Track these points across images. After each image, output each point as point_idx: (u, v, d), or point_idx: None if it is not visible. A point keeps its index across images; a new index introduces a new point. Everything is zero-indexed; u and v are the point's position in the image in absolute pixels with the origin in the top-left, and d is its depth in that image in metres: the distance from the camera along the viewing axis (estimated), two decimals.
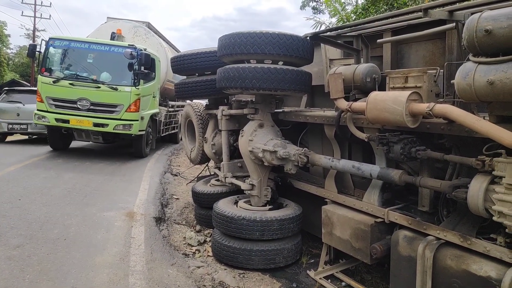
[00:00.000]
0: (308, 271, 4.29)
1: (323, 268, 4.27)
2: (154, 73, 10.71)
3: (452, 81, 2.66)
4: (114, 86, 9.38)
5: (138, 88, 9.60)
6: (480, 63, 2.45)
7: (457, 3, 3.02)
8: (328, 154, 4.33)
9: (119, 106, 9.41)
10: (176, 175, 8.98)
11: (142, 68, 9.64)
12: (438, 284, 2.87)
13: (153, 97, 10.87)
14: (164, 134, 12.83)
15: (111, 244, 4.55)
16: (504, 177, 2.44)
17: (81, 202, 6.01)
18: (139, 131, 9.74)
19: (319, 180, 4.60)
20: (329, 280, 4.09)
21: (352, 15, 14.23)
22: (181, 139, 11.10)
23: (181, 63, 5.75)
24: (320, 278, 4.10)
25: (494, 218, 2.51)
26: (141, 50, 9.73)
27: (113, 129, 9.30)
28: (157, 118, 11.47)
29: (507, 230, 2.46)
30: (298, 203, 4.81)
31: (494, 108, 2.57)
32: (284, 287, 4.05)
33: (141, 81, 9.81)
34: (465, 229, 2.89)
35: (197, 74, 5.80)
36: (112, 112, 9.39)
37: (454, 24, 3.04)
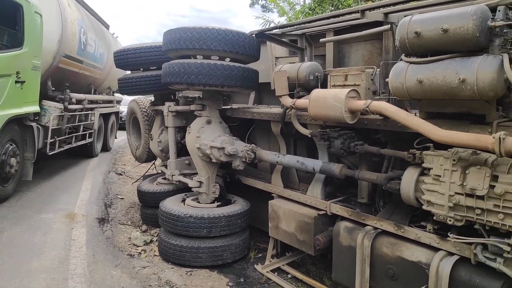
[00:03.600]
0: (255, 266, 4.36)
1: (270, 261, 4.35)
2: (21, 35, 5.60)
3: (387, 80, 2.82)
4: None
5: None
6: (411, 63, 2.63)
7: (392, 6, 3.21)
8: (275, 150, 4.41)
9: None
10: (121, 174, 8.66)
11: None
12: (375, 271, 3.05)
13: (17, 82, 5.53)
14: (58, 150, 7.28)
15: (49, 247, 4.30)
16: (432, 169, 2.64)
17: (15, 204, 5.60)
18: None
19: (266, 176, 4.68)
20: (276, 273, 4.19)
21: (300, 14, 14.58)
22: (99, 151, 9.98)
23: (125, 58, 5.54)
24: (267, 272, 4.18)
25: (424, 207, 2.71)
26: None
27: None
28: (36, 124, 6.19)
29: (435, 218, 2.67)
30: (246, 199, 4.85)
31: (423, 105, 2.77)
32: (231, 282, 4.07)
33: None
34: (399, 218, 3.09)
35: (142, 69, 5.62)
36: None
37: (389, 26, 3.23)
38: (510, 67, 2.20)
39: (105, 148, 11.01)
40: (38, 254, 4.10)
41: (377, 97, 3.33)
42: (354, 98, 3.09)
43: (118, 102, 12.15)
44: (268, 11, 15.81)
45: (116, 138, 12.41)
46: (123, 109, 16.42)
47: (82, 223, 5.15)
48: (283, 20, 15.29)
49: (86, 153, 9.71)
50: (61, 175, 7.71)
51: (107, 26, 11.63)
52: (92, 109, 9.17)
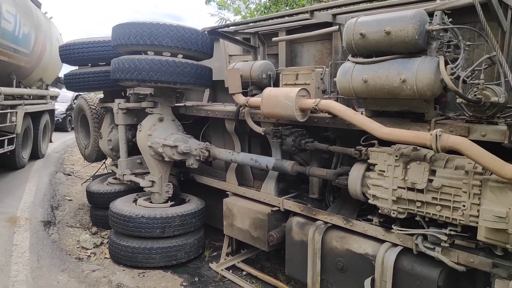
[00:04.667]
0: (210, 264, 4.34)
1: (225, 259, 4.36)
2: None
3: (334, 79, 2.92)
4: None
5: None
6: (356, 63, 2.73)
7: (341, 7, 3.31)
8: (229, 148, 4.41)
9: None
10: (70, 175, 8.25)
11: None
12: (326, 264, 3.15)
13: None
14: None
15: None
16: (377, 164, 2.77)
17: None
18: None
19: (221, 174, 4.66)
20: (231, 271, 4.20)
21: (255, 13, 14.62)
22: (26, 160, 7.88)
23: (71, 52, 5.26)
24: (222, 270, 4.18)
25: (370, 201, 2.84)
26: None
27: None
28: None
29: (380, 211, 2.80)
30: (201, 198, 4.81)
31: (368, 104, 2.90)
32: (185, 282, 4.03)
33: None
34: (348, 212, 3.22)
35: (90, 64, 5.38)
36: None
37: (338, 26, 3.33)
38: (445, 68, 2.35)
39: (35, 155, 8.93)
40: None
41: (327, 96, 3.43)
42: (304, 97, 3.16)
43: (53, 98, 10.03)
44: (224, 9, 15.67)
45: (51, 141, 10.26)
46: (60, 106, 14.07)
47: (25, 227, 4.86)
48: (238, 19, 15.25)
49: (7, 164, 7.57)
50: (2, 176, 7.20)
51: (37, 4, 9.18)
52: (13, 106, 7.06)
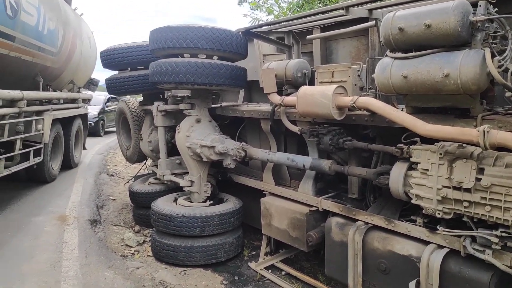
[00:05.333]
0: (249, 263, 4.37)
1: (264, 259, 4.37)
2: None
3: (373, 76, 2.84)
4: None
5: None
6: (395, 58, 2.65)
7: (376, 2, 3.22)
8: (265, 147, 4.42)
9: None
10: (113, 175, 8.61)
11: None
12: (367, 265, 3.08)
13: None
14: None
15: (40, 250, 4.28)
16: (420, 163, 2.67)
17: (5, 208, 5.55)
18: None
19: (258, 174, 4.68)
20: (270, 270, 4.21)
21: (288, 12, 14.52)
22: (56, 172, 7.31)
23: (112, 57, 5.49)
24: (261, 269, 4.20)
25: (413, 201, 2.74)
26: None
27: None
28: None
29: (424, 212, 2.70)
30: (238, 197, 4.85)
31: (409, 100, 2.80)
32: (226, 280, 4.08)
33: None
34: (389, 212, 3.12)
35: (129, 68, 5.58)
36: None
37: (374, 22, 3.24)
38: (492, 61, 2.22)
39: (67, 164, 8.21)
40: (29, 258, 4.08)
41: (364, 93, 3.35)
42: (341, 95, 3.10)
43: (86, 101, 9.34)
44: (257, 9, 15.68)
45: (84, 148, 9.65)
46: (92, 109, 12.90)
47: (74, 225, 5.12)
48: (271, 18, 15.23)
49: (35, 177, 6.89)
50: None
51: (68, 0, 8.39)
52: (39, 113, 6.42)
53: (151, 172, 6.13)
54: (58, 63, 7.14)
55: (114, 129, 17.08)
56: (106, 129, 16.68)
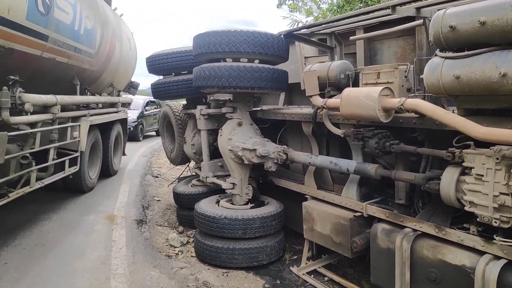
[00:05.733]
0: (291, 268, 4.34)
1: (306, 263, 4.32)
2: None
3: (421, 76, 2.72)
4: None
5: None
6: (446, 58, 2.52)
7: (424, 0, 3.09)
8: (306, 150, 4.37)
9: None
10: (157, 177, 8.90)
11: None
12: (416, 274, 2.95)
13: None
14: None
15: (91, 248, 4.50)
16: (474, 168, 2.52)
17: (59, 207, 5.89)
18: None
19: (299, 177, 4.64)
20: (312, 276, 4.15)
21: (328, 13, 14.33)
22: (94, 181, 6.93)
23: (157, 63, 5.69)
24: (303, 274, 4.15)
25: (466, 208, 2.59)
26: None
27: None
28: None
29: (478, 219, 2.54)
30: (279, 200, 4.84)
31: (461, 102, 2.65)
32: (268, 284, 4.08)
33: None
34: (440, 219, 2.98)
35: (173, 73, 5.75)
36: None
37: (422, 20, 3.11)
38: None
39: (106, 172, 7.87)
40: (81, 255, 4.30)
41: (412, 94, 3.22)
42: (388, 96, 3.00)
43: (126, 105, 9.03)
44: (296, 11, 15.63)
45: (124, 154, 9.26)
46: (131, 114, 12.03)
47: (122, 224, 5.34)
48: (310, 20, 15.10)
49: (71, 187, 6.48)
50: (100, 179, 8.02)
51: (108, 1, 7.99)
52: (75, 119, 6.07)
53: (194, 174, 6.27)
54: (96, 65, 6.73)
55: (153, 133, 17.44)
56: (145, 133, 16.60)
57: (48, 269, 3.90)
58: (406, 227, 3.11)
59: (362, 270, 4.14)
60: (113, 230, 5.11)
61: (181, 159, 6.54)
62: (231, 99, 4.96)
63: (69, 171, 5.69)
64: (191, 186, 5.83)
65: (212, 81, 4.26)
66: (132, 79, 9.82)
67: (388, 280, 3.15)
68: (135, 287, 3.72)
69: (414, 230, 3.05)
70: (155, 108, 17.72)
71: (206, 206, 4.68)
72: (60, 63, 5.42)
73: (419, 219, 3.05)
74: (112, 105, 8.04)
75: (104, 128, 7.60)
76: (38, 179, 4.90)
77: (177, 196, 5.74)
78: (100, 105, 7.30)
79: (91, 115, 6.57)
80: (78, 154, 5.94)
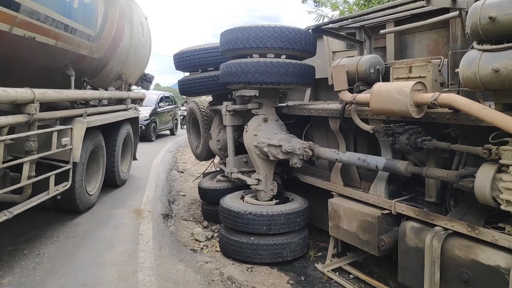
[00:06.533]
0: (316, 264, 4.30)
1: (331, 261, 4.27)
2: None
3: (456, 70, 2.63)
4: None
5: None
6: (484, 50, 2.42)
7: None
8: (333, 147, 4.32)
9: None
10: (182, 172, 9.02)
11: None
12: (447, 274, 2.86)
13: None
14: None
15: (119, 241, 4.59)
16: (511, 166, 2.41)
17: None
18: None
19: (324, 174, 4.59)
20: (337, 273, 4.10)
21: (355, 7, 14.11)
22: (93, 199, 5.38)
23: (183, 60, 5.74)
24: (328, 271, 4.11)
25: (502, 207, 2.49)
26: None
27: None
28: None
29: None
30: (304, 197, 4.80)
31: (499, 96, 2.54)
32: (292, 280, 4.06)
33: None
34: (473, 218, 2.87)
35: (200, 70, 5.79)
36: None
37: (458, 12, 3.00)
38: None
39: (111, 183, 6.49)
40: (109, 247, 4.39)
41: (445, 89, 3.12)
42: (420, 91, 2.92)
43: (138, 101, 7.70)
44: (321, 5, 15.47)
45: (135, 159, 7.84)
46: (143, 111, 10.70)
47: (148, 218, 5.44)
48: (336, 14, 14.90)
49: (63, 205, 5.10)
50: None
51: None
52: (66, 120, 4.67)
53: (218, 169, 6.31)
54: (98, 51, 5.29)
55: (167, 132, 16.18)
56: (158, 132, 14.90)
57: (78, 260, 4.01)
58: (437, 225, 3.02)
59: (389, 269, 4.05)
60: (140, 224, 5.20)
61: (206, 154, 6.59)
62: (257, 95, 4.95)
63: (55, 190, 4.16)
64: (216, 181, 5.87)
65: (238, 77, 4.26)
66: (152, 75, 8.58)
67: (416, 279, 3.07)
68: (161, 280, 3.77)
69: (445, 229, 2.96)
70: (169, 105, 16.42)
71: (231, 202, 4.70)
72: (45, 46, 4.01)
73: (451, 217, 2.96)
74: (120, 101, 6.72)
75: (109, 130, 6.20)
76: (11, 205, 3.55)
77: (202, 191, 5.80)
78: (105, 102, 6.02)
79: (89, 115, 5.06)
80: (69, 166, 4.44)
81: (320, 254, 4.63)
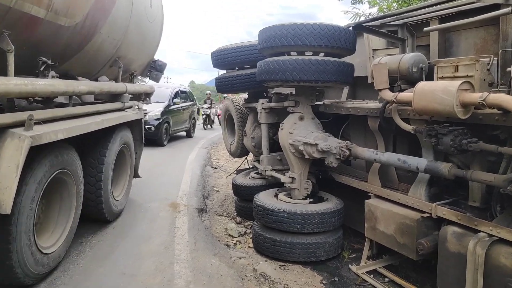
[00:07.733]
0: (350, 266, 4.24)
1: (366, 263, 4.20)
2: None
3: (508, 69, 2.51)
4: None
5: None
6: None
7: None
8: (370, 146, 4.23)
9: None
10: (216, 168, 9.15)
11: None
12: (491, 283, 2.74)
13: None
14: None
15: (156, 233, 4.73)
16: None
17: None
18: None
19: (361, 174, 4.51)
20: (372, 276, 4.02)
21: (394, 4, 13.72)
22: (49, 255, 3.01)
23: (221, 58, 5.82)
24: (362, 273, 4.04)
25: None
26: None
27: None
28: None
29: None
30: (339, 197, 4.74)
31: None
32: (325, 280, 4.03)
33: None
34: None
35: (236, 68, 5.84)
36: None
37: (510, 8, 2.85)
38: None
39: (97, 217, 4.57)
40: (146, 239, 4.53)
41: (495, 89, 2.97)
42: (467, 91, 2.80)
43: (143, 97, 5.86)
44: (358, 3, 15.14)
45: (138, 176, 5.93)
46: (153, 108, 9.26)
47: (184, 212, 5.56)
48: (374, 11, 14.55)
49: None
50: (163, 167, 8.42)
51: None
52: None
53: (252, 166, 6.35)
54: (70, 13, 3.28)
55: (183, 133, 13.27)
56: (172, 134, 12.23)
57: (117, 250, 4.17)
58: (481, 231, 2.90)
59: (427, 274, 3.93)
60: (176, 217, 5.32)
61: (240, 151, 6.65)
62: (293, 93, 4.93)
63: None
64: (250, 178, 5.91)
65: (276, 75, 4.26)
66: (164, 62, 6.32)
67: (456, 286, 2.97)
68: (196, 273, 3.85)
69: (490, 236, 2.84)
70: (185, 102, 13.38)
71: (265, 199, 4.71)
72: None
73: (497, 223, 2.83)
74: (114, 97, 4.73)
75: (92, 142, 4.28)
76: None
77: (236, 187, 5.85)
78: (89, 98, 4.32)
79: (46, 121, 3.04)
80: None
81: (354, 255, 4.56)
